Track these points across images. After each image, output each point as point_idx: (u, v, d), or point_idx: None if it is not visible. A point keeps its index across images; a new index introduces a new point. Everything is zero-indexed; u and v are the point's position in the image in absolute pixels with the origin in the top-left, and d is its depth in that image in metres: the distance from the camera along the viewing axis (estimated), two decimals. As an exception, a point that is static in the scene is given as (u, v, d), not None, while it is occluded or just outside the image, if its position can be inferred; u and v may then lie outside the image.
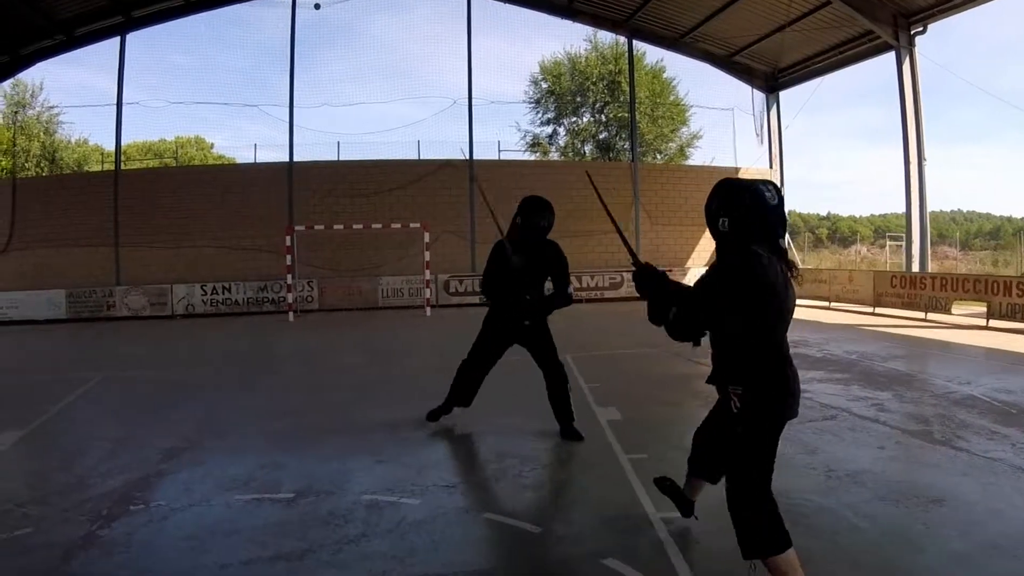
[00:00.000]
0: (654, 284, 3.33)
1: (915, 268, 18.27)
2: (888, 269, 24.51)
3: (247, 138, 48.32)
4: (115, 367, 11.27)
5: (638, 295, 3.44)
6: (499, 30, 25.08)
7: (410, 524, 4.28)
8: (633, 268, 3.47)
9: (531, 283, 6.01)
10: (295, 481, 5.09)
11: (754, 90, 24.82)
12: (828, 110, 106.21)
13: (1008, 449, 5.50)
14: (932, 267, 19.74)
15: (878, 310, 16.60)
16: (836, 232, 58.07)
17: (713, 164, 25.07)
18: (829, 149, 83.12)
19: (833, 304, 18.21)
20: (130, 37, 22.24)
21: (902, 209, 19.34)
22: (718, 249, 3.18)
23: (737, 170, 24.01)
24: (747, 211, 3.01)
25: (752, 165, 24.44)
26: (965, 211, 60.13)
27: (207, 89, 26.50)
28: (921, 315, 15.27)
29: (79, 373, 10.27)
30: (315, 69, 31.32)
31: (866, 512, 4.21)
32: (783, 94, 24.96)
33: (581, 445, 5.82)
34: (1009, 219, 53.79)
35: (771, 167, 24.54)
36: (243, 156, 28.30)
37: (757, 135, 24.68)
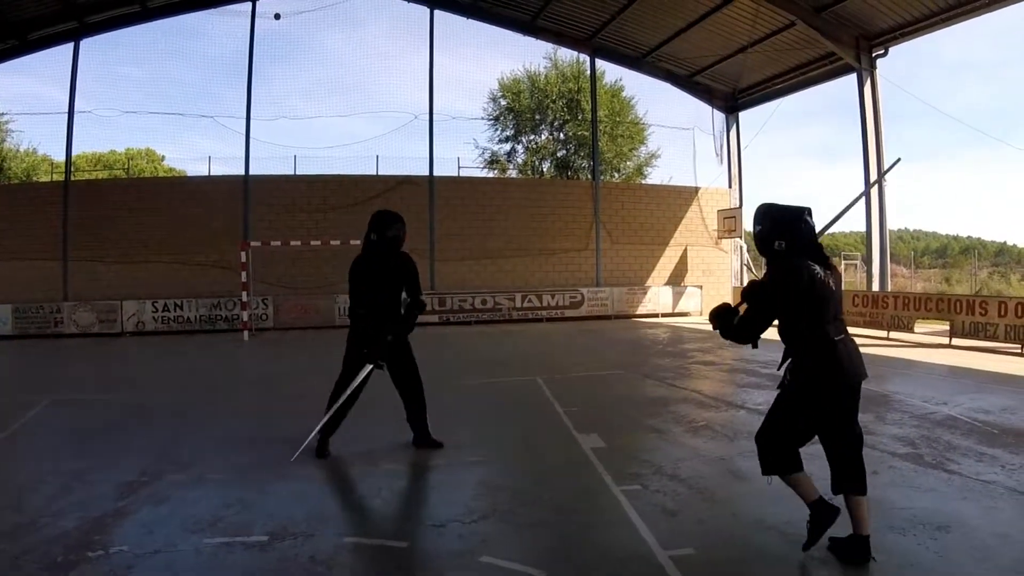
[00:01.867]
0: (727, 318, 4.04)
1: (876, 287, 18.44)
2: (844, 288, 24.77)
3: (198, 151, 47.34)
4: (64, 389, 10.65)
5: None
6: (458, 47, 24.91)
7: (401, 570, 3.96)
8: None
9: (391, 294, 6.25)
10: (267, 521, 4.69)
11: (714, 110, 24.95)
12: (775, 130, 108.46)
13: (999, 471, 5.41)
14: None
15: (840, 329, 16.67)
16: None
17: (672, 183, 25.21)
18: (775, 168, 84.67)
19: (795, 323, 18.27)
20: (83, 44, 21.58)
21: (850, 228, 19.60)
22: (771, 264, 4.00)
23: (697, 190, 24.15)
24: (798, 233, 3.94)
25: (711, 184, 24.62)
26: (912, 230, 61.59)
27: (159, 100, 25.92)
28: (883, 334, 15.37)
29: (25, 396, 9.66)
30: (270, 83, 30.80)
31: (878, 543, 4.00)
32: (742, 114, 25.17)
33: (570, 477, 5.50)
34: (955, 237, 55.33)
35: (730, 187, 24.72)
36: (194, 169, 27.67)
37: (717, 155, 24.84)
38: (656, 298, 22.66)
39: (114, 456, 6.46)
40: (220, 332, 19.94)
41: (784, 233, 3.95)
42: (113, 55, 23.30)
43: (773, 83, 22.91)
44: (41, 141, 31.00)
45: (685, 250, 23.81)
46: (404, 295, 6.32)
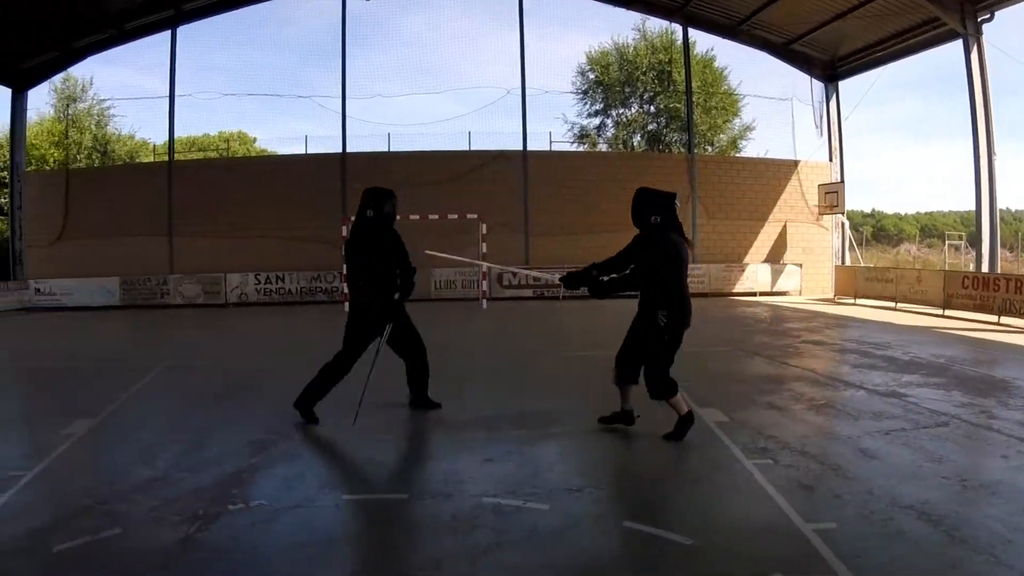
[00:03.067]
0: (583, 280, 5.71)
1: (985, 269, 17.67)
2: (950, 270, 23.77)
3: (290, 133, 49.32)
4: (177, 355, 11.23)
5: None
6: (544, 23, 24.61)
7: (545, 532, 3.96)
8: (559, 284, 6.02)
9: (388, 266, 6.39)
10: (404, 481, 4.87)
11: (812, 79, 24.07)
12: (871, 102, 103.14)
13: None
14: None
15: (948, 312, 16.06)
16: (882, 230, 56.73)
17: (769, 156, 24.53)
18: (871, 142, 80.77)
19: (900, 304, 17.67)
20: (179, 32, 22.63)
21: (948, 208, 18.65)
22: (647, 233, 5.47)
23: (796, 163, 23.45)
24: (671, 212, 5.47)
25: (810, 158, 23.86)
26: (1013, 210, 58.06)
27: (249, 85, 26.93)
28: (994, 318, 14.68)
29: (141, 361, 10.13)
30: (357, 66, 31.42)
31: (1016, 524, 3.95)
32: (842, 84, 24.14)
33: (698, 449, 5.46)
34: (1063, 219, 51.97)
35: (830, 159, 23.86)
36: (284, 150, 28.56)
37: (816, 126, 23.98)
38: (754, 276, 22.08)
39: (236, 417, 6.79)
40: (320, 304, 20.72)
41: (659, 211, 5.42)
42: (204, 43, 24.29)
43: (873, 51, 21.86)
44: (141, 126, 33.04)
45: (784, 226, 23.11)
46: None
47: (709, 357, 10.06)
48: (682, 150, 25.69)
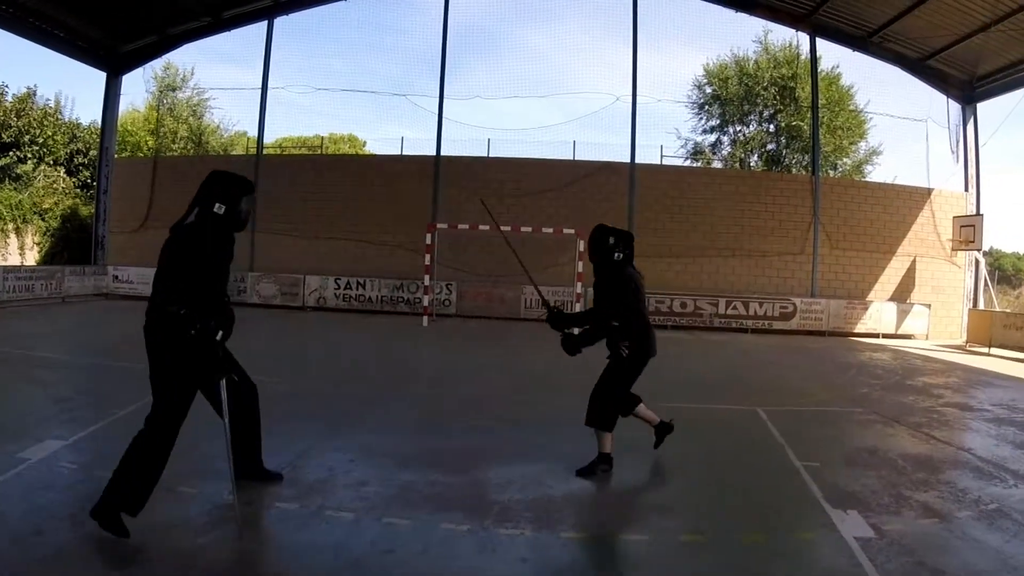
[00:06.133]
0: (563, 322, 5.63)
1: None
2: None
3: (395, 137, 50.12)
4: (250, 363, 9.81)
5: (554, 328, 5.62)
6: (660, 31, 22.96)
7: None
8: (546, 314, 5.71)
9: (223, 287, 4.50)
10: None
11: (949, 100, 21.65)
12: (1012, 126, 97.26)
13: None
14: None
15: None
16: (1000, 270, 52.88)
17: (898, 182, 22.06)
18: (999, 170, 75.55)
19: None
20: (277, 23, 22.25)
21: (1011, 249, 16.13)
22: (610, 269, 5.55)
23: (929, 192, 21.06)
24: (631, 248, 5.66)
25: (943, 186, 21.41)
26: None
27: (352, 86, 26.48)
28: None
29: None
30: (459, 73, 30.98)
31: None
32: (980, 106, 21.64)
33: None
34: None
35: (967, 190, 21.39)
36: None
37: (952, 152, 21.57)
38: (878, 315, 19.78)
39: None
40: (401, 314, 19.77)
41: (624, 247, 5.54)
42: (307, 44, 24.02)
43: (1018, 69, 19.33)
44: (239, 120, 33.24)
45: (913, 261, 20.71)
46: None
47: (842, 424, 8.15)
48: (803, 172, 23.61)
